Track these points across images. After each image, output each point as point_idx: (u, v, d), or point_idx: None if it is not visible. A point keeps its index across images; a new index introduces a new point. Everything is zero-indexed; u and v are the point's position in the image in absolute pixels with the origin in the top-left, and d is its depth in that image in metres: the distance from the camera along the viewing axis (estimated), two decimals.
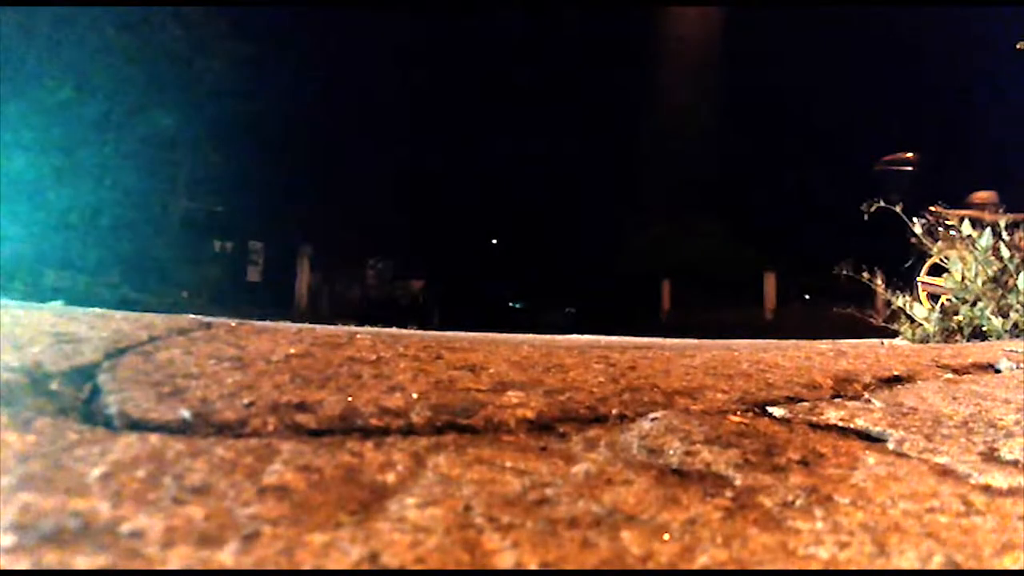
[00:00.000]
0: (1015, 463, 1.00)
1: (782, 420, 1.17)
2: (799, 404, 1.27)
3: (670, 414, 1.12)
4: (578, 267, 20.34)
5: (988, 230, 3.76)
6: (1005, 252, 3.52)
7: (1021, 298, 3.33)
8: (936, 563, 0.68)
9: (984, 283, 3.37)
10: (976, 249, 3.61)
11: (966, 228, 3.87)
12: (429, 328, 3.74)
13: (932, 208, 4.91)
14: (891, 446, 1.08)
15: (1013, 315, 3.26)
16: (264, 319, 3.18)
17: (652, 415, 1.11)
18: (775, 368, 1.52)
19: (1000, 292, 3.35)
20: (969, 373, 1.74)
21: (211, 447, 0.82)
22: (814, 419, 1.18)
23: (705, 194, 20.28)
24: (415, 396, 1.04)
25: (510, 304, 21.50)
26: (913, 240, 4.19)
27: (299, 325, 1.70)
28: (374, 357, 1.26)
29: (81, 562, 0.55)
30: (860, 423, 1.17)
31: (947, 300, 3.55)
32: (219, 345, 1.23)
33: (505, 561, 0.61)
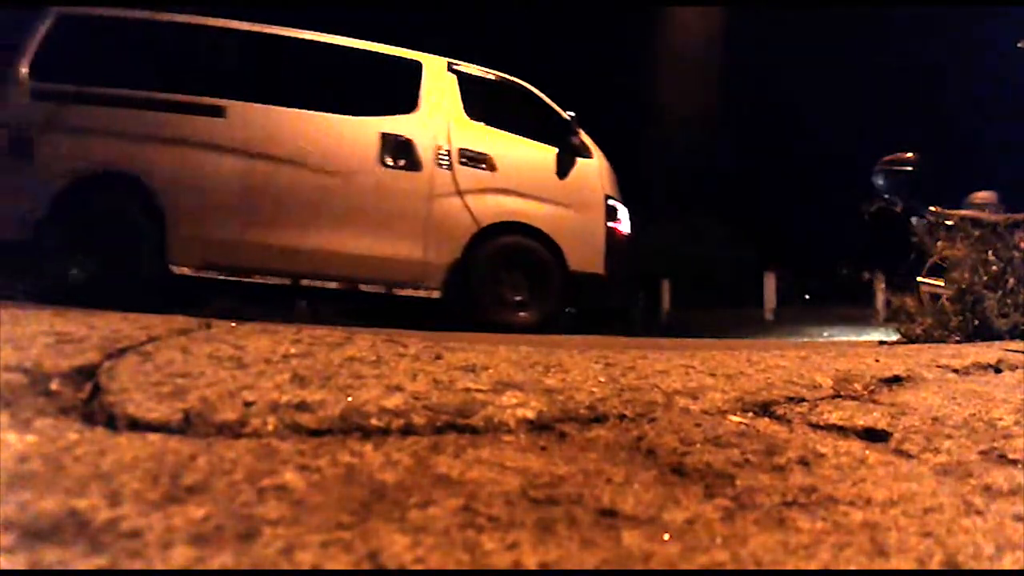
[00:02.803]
0: (1015, 463, 1.01)
1: (782, 420, 1.17)
2: (799, 404, 1.27)
3: (670, 414, 1.12)
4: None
5: (988, 230, 3.76)
6: (1005, 252, 3.52)
7: (1021, 298, 3.33)
8: (936, 563, 0.68)
9: (984, 283, 3.37)
10: (976, 249, 3.61)
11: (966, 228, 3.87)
12: (429, 328, 3.73)
13: (932, 208, 4.91)
14: (891, 446, 1.08)
15: (1013, 315, 3.26)
16: (264, 319, 3.17)
17: (652, 415, 1.11)
18: (775, 368, 1.51)
19: (1000, 292, 3.35)
20: (969, 373, 1.74)
21: (211, 447, 0.82)
22: (814, 419, 1.18)
23: (706, 194, 20.29)
24: (415, 396, 1.04)
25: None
26: (913, 240, 4.19)
27: (299, 325, 1.69)
28: (374, 357, 1.26)
29: (80, 562, 0.55)
30: (860, 423, 1.17)
31: (947, 300, 3.55)
32: (219, 345, 1.22)
33: (505, 561, 0.61)
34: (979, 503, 0.84)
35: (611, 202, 5.39)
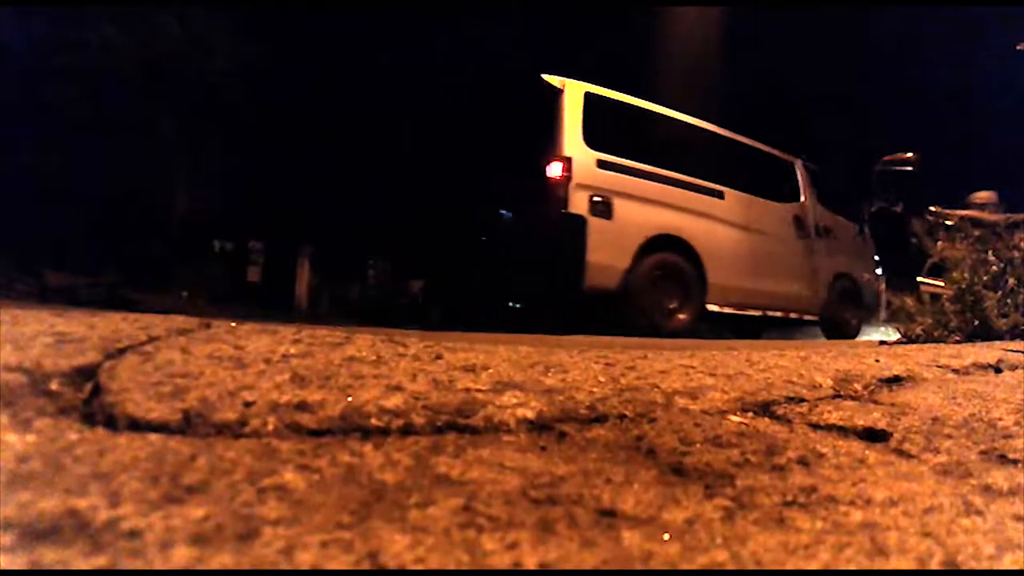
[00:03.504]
0: (1015, 463, 1.01)
1: (782, 420, 1.17)
2: (799, 404, 1.27)
3: (670, 414, 1.12)
4: None
5: (988, 230, 3.76)
6: (1005, 252, 3.52)
7: (1021, 298, 3.33)
8: (936, 563, 0.68)
9: (984, 283, 3.37)
10: (976, 250, 3.61)
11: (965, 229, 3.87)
12: (429, 328, 3.80)
13: (932, 208, 4.92)
14: (891, 446, 1.08)
15: (1013, 315, 3.26)
16: (264, 319, 3.18)
17: (652, 415, 1.11)
18: (775, 368, 1.52)
19: (1000, 292, 3.35)
20: (969, 373, 1.74)
21: (211, 447, 0.82)
22: (814, 419, 1.19)
23: None
24: (415, 396, 1.04)
25: (510, 304, 21.42)
26: (913, 240, 4.19)
27: (299, 325, 1.69)
28: (374, 357, 1.26)
29: (80, 562, 0.55)
30: (860, 423, 1.17)
31: (947, 300, 3.55)
32: (219, 345, 1.22)
33: (505, 561, 0.61)
34: (979, 503, 0.84)
35: (876, 257, 8.65)
